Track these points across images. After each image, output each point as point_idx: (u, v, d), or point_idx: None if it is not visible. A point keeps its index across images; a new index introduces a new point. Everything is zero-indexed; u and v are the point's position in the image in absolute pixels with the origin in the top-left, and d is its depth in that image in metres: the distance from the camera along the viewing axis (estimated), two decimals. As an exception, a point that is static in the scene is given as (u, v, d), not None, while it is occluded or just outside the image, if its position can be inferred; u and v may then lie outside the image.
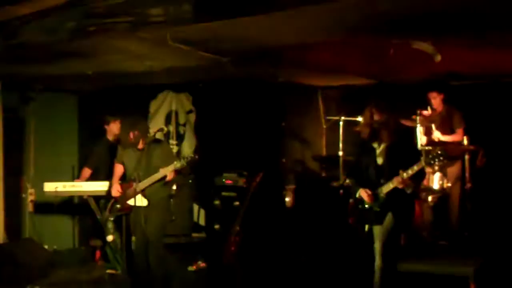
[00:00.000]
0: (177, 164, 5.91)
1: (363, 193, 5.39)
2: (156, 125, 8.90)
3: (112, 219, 6.37)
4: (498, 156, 7.54)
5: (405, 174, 5.10)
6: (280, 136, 9.09)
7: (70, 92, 9.37)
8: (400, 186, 5.16)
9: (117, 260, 7.22)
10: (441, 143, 7.41)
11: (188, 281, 7.22)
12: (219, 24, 4.94)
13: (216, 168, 8.61)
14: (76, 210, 8.85)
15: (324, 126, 9.19)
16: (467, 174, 7.41)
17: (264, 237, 7.92)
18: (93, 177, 7.55)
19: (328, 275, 6.77)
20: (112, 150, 7.00)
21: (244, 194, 7.63)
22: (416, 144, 7.32)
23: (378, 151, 5.41)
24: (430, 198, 7.41)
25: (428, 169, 6.76)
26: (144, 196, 5.97)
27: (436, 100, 7.58)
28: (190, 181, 8.54)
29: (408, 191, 5.26)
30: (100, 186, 7.11)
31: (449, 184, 7.35)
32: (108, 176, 6.59)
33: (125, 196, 6.17)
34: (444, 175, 7.33)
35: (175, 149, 9.24)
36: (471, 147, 7.34)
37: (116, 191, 6.24)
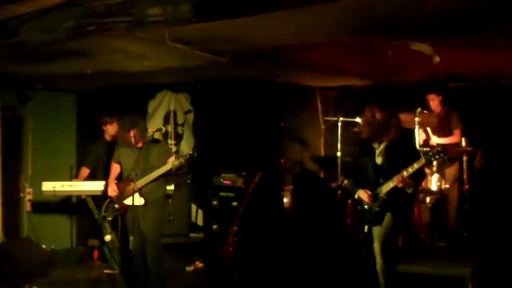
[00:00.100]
0: (175, 162, 5.91)
1: (362, 194, 5.38)
2: (154, 125, 8.89)
3: (110, 218, 6.36)
4: (496, 158, 7.55)
5: (405, 173, 5.09)
6: (279, 136, 9.09)
7: (68, 91, 9.36)
8: (400, 185, 5.14)
9: (115, 260, 7.22)
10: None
11: (186, 281, 7.22)
12: (218, 24, 4.94)
13: (214, 168, 8.61)
14: (74, 210, 8.85)
15: (323, 127, 9.21)
16: (465, 176, 7.43)
17: (262, 237, 7.93)
18: (91, 177, 7.55)
19: (326, 276, 6.78)
20: (110, 150, 7.00)
21: (242, 195, 7.62)
22: (415, 144, 7.32)
23: (377, 151, 5.40)
24: (428, 199, 7.41)
25: (426, 170, 6.77)
26: (141, 195, 5.97)
27: (434, 102, 7.59)
28: (188, 181, 8.53)
29: (409, 191, 5.25)
30: (98, 186, 7.11)
31: (447, 186, 7.37)
32: (106, 176, 6.59)
33: (121, 196, 6.17)
34: (442, 176, 7.34)
35: (173, 149, 9.23)
36: (469, 149, 7.35)
37: (112, 191, 6.24)
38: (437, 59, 5.94)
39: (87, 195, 7.25)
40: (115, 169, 6.36)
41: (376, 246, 5.33)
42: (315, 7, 4.42)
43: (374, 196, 5.31)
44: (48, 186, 7.33)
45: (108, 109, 7.53)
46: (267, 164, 8.41)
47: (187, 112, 9.45)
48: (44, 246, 7.98)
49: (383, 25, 5.14)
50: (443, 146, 5.24)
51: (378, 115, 5.30)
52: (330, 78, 8.50)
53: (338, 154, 8.45)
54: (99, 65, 7.12)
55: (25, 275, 6.84)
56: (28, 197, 8.56)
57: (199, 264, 7.60)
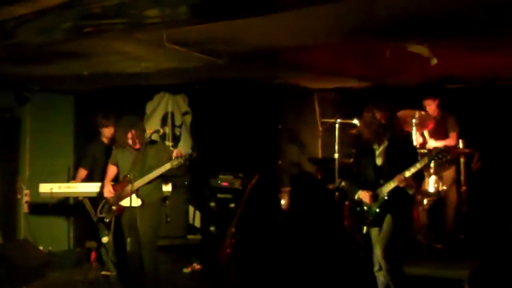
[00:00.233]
0: (174, 162, 5.91)
1: (362, 194, 5.36)
2: (152, 127, 8.88)
3: (107, 220, 6.35)
4: (493, 160, 7.56)
5: (407, 173, 5.08)
6: (276, 138, 9.10)
7: (66, 92, 9.36)
8: (402, 185, 5.12)
9: (112, 262, 7.21)
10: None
11: (183, 283, 7.22)
12: (215, 25, 4.94)
13: (211, 169, 8.62)
14: (72, 212, 8.83)
15: (320, 129, 9.21)
16: (462, 177, 7.43)
17: (259, 239, 7.93)
18: (88, 178, 7.54)
19: (323, 278, 6.78)
20: (107, 151, 7.00)
21: (240, 196, 7.62)
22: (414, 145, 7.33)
23: (377, 152, 5.40)
24: (425, 201, 7.42)
25: (424, 172, 6.78)
26: (138, 196, 5.96)
27: (431, 106, 7.61)
28: (185, 182, 8.53)
29: (410, 192, 5.25)
30: (95, 188, 7.11)
31: (445, 187, 7.38)
32: (103, 177, 6.59)
33: (118, 197, 6.16)
34: (440, 178, 7.35)
35: (171, 150, 9.23)
36: (467, 151, 7.36)
37: (108, 192, 6.24)
38: (434, 61, 5.95)
39: (85, 197, 7.24)
40: (112, 170, 6.36)
41: (378, 251, 5.30)
42: (312, 9, 4.42)
43: (375, 197, 5.30)
44: (45, 187, 7.32)
45: (105, 111, 7.51)
46: (265, 165, 8.41)
47: (184, 114, 9.45)
48: (41, 248, 7.97)
49: (380, 27, 5.15)
50: (445, 147, 5.24)
51: (378, 116, 5.30)
52: (328, 79, 8.51)
53: (336, 155, 8.46)
54: (96, 67, 7.12)
55: (22, 277, 6.83)
56: (26, 198, 8.55)
57: (197, 266, 7.60)
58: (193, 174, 8.48)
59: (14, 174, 8.64)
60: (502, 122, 7.83)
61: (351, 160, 7.93)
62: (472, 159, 7.40)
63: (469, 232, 7.39)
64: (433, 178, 7.30)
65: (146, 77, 7.94)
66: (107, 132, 7.41)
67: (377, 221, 5.33)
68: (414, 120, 7.37)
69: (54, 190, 7.27)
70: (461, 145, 7.33)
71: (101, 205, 6.35)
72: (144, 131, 6.18)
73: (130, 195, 5.91)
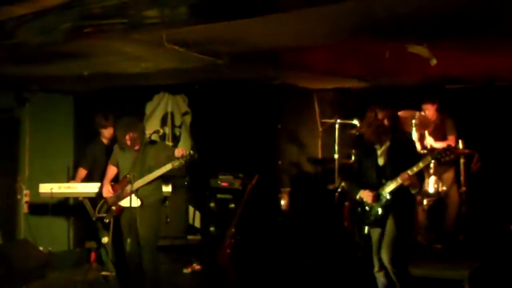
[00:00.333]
0: (175, 162, 5.91)
1: (364, 194, 5.35)
2: (151, 127, 8.89)
3: (107, 220, 6.35)
4: (493, 160, 7.56)
5: (409, 172, 5.08)
6: (276, 138, 9.10)
7: (65, 93, 9.35)
8: (406, 183, 5.11)
9: (112, 262, 7.21)
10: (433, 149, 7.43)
11: (183, 283, 7.22)
12: (215, 26, 4.94)
13: (211, 170, 8.61)
14: (71, 212, 8.83)
15: (320, 129, 9.21)
16: (462, 178, 7.43)
17: (259, 239, 7.93)
18: (88, 178, 7.54)
19: (323, 278, 6.78)
20: (107, 151, 7.01)
21: (240, 197, 7.62)
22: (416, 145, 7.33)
23: (379, 152, 5.40)
24: (425, 202, 7.42)
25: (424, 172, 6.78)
26: (137, 196, 5.96)
27: (430, 111, 7.62)
28: (185, 183, 8.53)
29: (413, 192, 5.24)
30: (95, 188, 7.11)
31: (444, 188, 7.38)
32: (103, 177, 6.59)
33: (117, 197, 6.16)
34: (439, 178, 7.35)
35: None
36: (466, 151, 7.36)
37: (107, 192, 6.24)
38: (434, 61, 5.95)
39: (84, 197, 7.24)
40: (112, 170, 6.36)
41: (384, 256, 5.28)
42: (311, 9, 4.42)
43: (376, 197, 5.29)
44: (45, 188, 7.32)
45: (105, 112, 7.51)
46: (265, 166, 8.42)
47: (184, 114, 9.45)
48: (41, 248, 7.96)
49: (380, 28, 5.15)
50: (448, 146, 5.25)
51: (380, 116, 5.30)
52: (328, 80, 8.51)
53: (336, 156, 8.47)
54: (96, 67, 7.12)
55: (22, 277, 6.83)
56: (25, 199, 8.54)
57: (197, 266, 7.60)
58: (193, 174, 8.48)
59: (13, 174, 8.63)
60: (501, 123, 7.84)
61: (352, 160, 7.98)
62: (472, 160, 7.40)
63: (468, 232, 7.39)
64: (432, 179, 7.30)
65: (146, 77, 7.93)
66: (107, 132, 7.40)
67: (378, 221, 5.33)
68: (414, 121, 7.38)
69: (54, 190, 7.27)
70: (460, 145, 7.33)
71: (99, 204, 6.35)
72: (143, 132, 6.18)
73: (129, 195, 5.91)
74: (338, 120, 8.43)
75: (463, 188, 7.43)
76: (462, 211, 7.47)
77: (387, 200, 5.24)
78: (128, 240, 6.08)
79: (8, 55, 6.17)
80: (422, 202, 7.39)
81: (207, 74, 7.73)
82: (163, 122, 9.44)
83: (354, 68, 7.40)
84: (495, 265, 6.33)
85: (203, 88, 9.04)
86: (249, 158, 8.51)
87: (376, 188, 5.32)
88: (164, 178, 6.29)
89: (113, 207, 6.21)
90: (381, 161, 5.38)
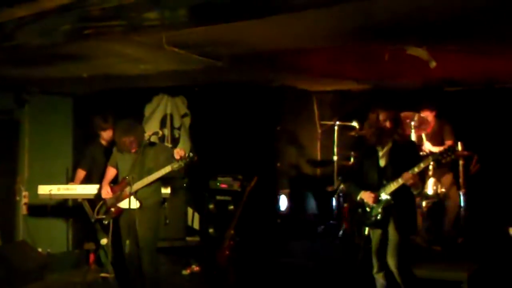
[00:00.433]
0: (174, 165, 5.90)
1: (365, 195, 5.36)
2: (151, 129, 8.90)
3: (106, 222, 6.35)
4: (492, 162, 7.56)
5: (410, 172, 5.09)
6: (275, 140, 9.09)
7: (65, 94, 9.36)
8: (409, 183, 5.12)
9: (111, 264, 7.21)
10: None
11: (182, 285, 7.22)
12: (215, 28, 4.95)
13: (210, 171, 8.61)
14: (70, 213, 8.83)
15: (319, 131, 9.22)
16: (461, 180, 7.44)
17: (258, 241, 7.93)
18: (87, 179, 7.54)
19: (322, 280, 6.78)
20: (106, 152, 7.01)
21: (239, 198, 7.62)
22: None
23: (381, 154, 5.40)
24: (424, 204, 7.42)
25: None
26: (137, 198, 5.96)
27: (428, 117, 7.62)
28: (184, 184, 8.53)
29: (415, 192, 5.25)
30: (94, 190, 7.10)
31: (443, 190, 7.38)
32: (102, 179, 6.59)
33: (116, 199, 6.16)
34: (438, 180, 7.36)
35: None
36: (465, 153, 7.36)
37: (106, 193, 6.24)
38: (433, 63, 5.96)
39: (83, 199, 7.24)
40: (111, 172, 6.36)
41: (391, 262, 5.28)
42: (311, 12, 4.43)
43: (377, 198, 5.29)
44: (44, 189, 7.31)
45: (104, 114, 7.51)
46: (264, 167, 8.41)
47: (183, 116, 9.45)
48: (40, 250, 7.96)
49: (379, 30, 5.16)
50: (450, 147, 5.25)
51: (382, 117, 5.31)
52: (327, 82, 8.52)
53: (335, 158, 8.47)
54: (96, 69, 7.12)
55: (20, 278, 6.83)
56: (24, 200, 8.54)
57: (196, 268, 7.60)
58: (192, 176, 8.48)
59: (13, 175, 8.63)
60: (500, 125, 7.85)
61: (351, 162, 7.99)
62: (471, 162, 7.41)
63: (467, 234, 7.39)
64: (431, 181, 7.31)
65: (145, 79, 7.94)
66: (106, 135, 7.41)
67: (379, 222, 5.33)
68: (413, 123, 7.38)
69: (52, 192, 7.26)
70: (459, 147, 7.34)
71: (98, 206, 6.35)
72: (142, 134, 6.17)
73: (128, 197, 5.90)
74: (337, 122, 8.44)
75: (462, 190, 7.43)
76: (461, 213, 7.47)
77: (388, 201, 5.25)
78: (127, 242, 6.08)
79: (8, 57, 6.18)
80: (421, 204, 7.38)
81: (206, 76, 7.74)
82: (162, 124, 9.43)
83: (353, 71, 7.41)
84: (494, 267, 6.33)
85: (203, 90, 9.04)
86: (248, 160, 8.51)
87: (377, 189, 5.32)
88: (163, 180, 6.29)
89: (112, 209, 6.20)
90: (382, 163, 5.38)
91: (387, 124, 5.30)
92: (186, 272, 7.54)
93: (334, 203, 8.43)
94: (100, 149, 7.50)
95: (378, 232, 5.38)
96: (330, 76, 7.88)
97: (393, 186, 5.21)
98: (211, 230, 8.42)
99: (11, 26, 5.03)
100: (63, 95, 9.33)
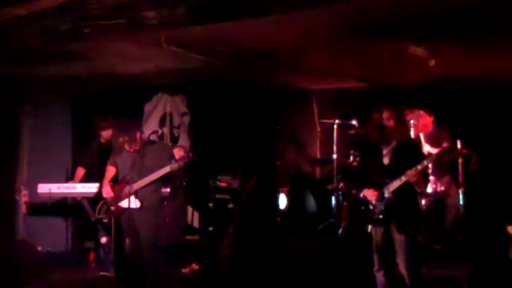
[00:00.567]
0: (173, 165, 5.90)
1: (368, 193, 5.36)
2: (150, 127, 8.90)
3: (106, 221, 6.35)
4: (491, 161, 7.56)
5: (414, 169, 5.10)
6: (275, 138, 9.10)
7: (64, 93, 9.36)
8: (412, 180, 5.13)
9: (111, 262, 7.20)
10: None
11: (182, 283, 7.22)
12: (214, 27, 4.96)
13: (210, 170, 8.61)
14: (70, 212, 8.82)
15: (318, 129, 9.22)
16: (460, 179, 7.44)
17: (258, 239, 7.93)
18: (86, 177, 7.55)
19: (322, 278, 6.78)
20: (106, 151, 7.01)
21: (238, 197, 7.62)
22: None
23: (384, 152, 5.41)
24: (423, 202, 7.42)
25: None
26: (137, 198, 5.96)
27: (427, 122, 7.61)
28: (184, 183, 8.53)
29: (419, 190, 5.24)
30: (94, 188, 7.11)
31: (443, 188, 7.38)
32: (101, 177, 6.59)
33: (117, 198, 6.16)
34: (437, 179, 7.36)
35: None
36: (464, 152, 7.36)
37: (106, 192, 6.24)
38: (432, 62, 5.96)
39: (83, 197, 7.24)
40: (111, 171, 6.35)
41: (401, 265, 5.27)
42: (310, 11, 4.43)
43: (380, 195, 5.30)
44: (43, 188, 7.32)
45: (103, 113, 7.52)
46: (263, 166, 8.42)
47: (183, 115, 9.44)
48: (39, 248, 7.96)
49: (379, 29, 5.16)
50: (453, 144, 5.25)
51: (386, 116, 5.32)
52: (326, 80, 8.51)
53: (334, 156, 8.47)
54: (95, 68, 7.13)
55: (20, 277, 6.83)
56: (24, 199, 8.54)
57: (195, 266, 7.59)
58: (191, 174, 8.48)
59: (12, 174, 8.64)
60: (499, 123, 7.85)
61: (350, 160, 7.99)
62: (470, 160, 7.41)
63: (467, 233, 7.39)
64: (431, 179, 7.31)
65: (145, 77, 7.95)
66: (105, 134, 7.42)
67: (381, 220, 5.33)
68: (412, 121, 7.37)
69: (52, 191, 7.27)
70: (458, 146, 7.34)
71: (99, 205, 6.35)
72: (141, 134, 6.17)
73: (129, 196, 5.91)
74: (337, 121, 8.44)
75: (462, 189, 7.44)
76: (461, 211, 7.47)
77: (391, 198, 5.25)
78: (127, 241, 6.08)
79: (8, 56, 6.18)
80: (420, 203, 7.38)
81: (205, 75, 7.74)
82: (162, 123, 9.43)
83: (352, 69, 7.41)
84: (494, 266, 6.34)
85: (202, 89, 9.03)
86: (247, 158, 8.51)
87: (380, 187, 5.33)
88: (163, 179, 6.29)
89: (113, 208, 6.21)
90: (386, 161, 5.39)
91: (391, 122, 5.31)
92: (185, 270, 7.54)
93: (333, 201, 8.45)
94: (100, 148, 7.51)
95: (380, 230, 5.38)
96: (330, 74, 7.88)
97: (396, 184, 5.22)
98: (210, 229, 8.42)
99: (11, 25, 5.03)
100: (62, 94, 9.33)
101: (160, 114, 9.47)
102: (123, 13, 4.69)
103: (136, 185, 5.94)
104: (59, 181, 7.75)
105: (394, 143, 5.35)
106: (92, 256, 7.74)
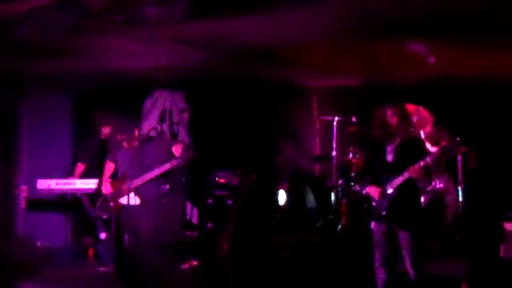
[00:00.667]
0: (173, 163, 5.90)
1: (371, 190, 5.38)
2: (150, 124, 8.90)
3: (105, 217, 6.36)
4: (490, 158, 7.57)
5: (416, 166, 5.10)
6: (274, 135, 9.10)
7: (64, 89, 9.34)
8: (415, 176, 5.14)
9: (110, 258, 7.21)
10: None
11: (180, 279, 7.22)
12: (214, 23, 4.95)
13: (209, 166, 8.61)
14: (69, 208, 8.82)
15: (318, 126, 9.21)
16: (459, 176, 7.44)
17: (257, 236, 7.94)
18: (86, 173, 7.55)
19: (321, 275, 6.79)
20: (106, 147, 7.02)
21: (238, 193, 7.63)
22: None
23: (389, 149, 5.41)
24: (422, 199, 7.42)
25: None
26: (137, 194, 5.96)
27: (426, 121, 7.62)
28: (183, 179, 8.53)
29: (422, 187, 5.24)
30: (93, 184, 7.11)
31: (442, 185, 7.39)
32: (101, 173, 6.59)
33: (116, 194, 6.17)
34: (437, 176, 7.36)
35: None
36: (464, 149, 7.36)
37: (106, 189, 6.25)
38: (432, 59, 5.96)
39: (82, 193, 7.24)
40: (109, 167, 6.36)
41: (407, 262, 5.27)
42: (310, 7, 4.43)
43: (383, 192, 5.31)
44: (43, 183, 7.32)
45: (103, 109, 7.52)
46: (263, 162, 8.42)
47: (182, 111, 9.44)
48: (38, 244, 7.96)
49: (379, 26, 5.15)
50: (456, 141, 5.25)
51: (390, 113, 5.32)
52: (326, 77, 8.51)
53: (334, 153, 8.47)
54: (95, 63, 7.11)
55: (19, 272, 6.83)
56: (23, 194, 8.53)
57: (194, 263, 7.60)
58: (191, 171, 8.47)
59: (12, 170, 8.63)
60: (498, 121, 7.86)
61: (350, 157, 7.99)
62: (469, 158, 7.41)
63: (466, 231, 7.40)
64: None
65: (144, 74, 7.94)
66: (105, 130, 7.42)
67: (384, 217, 5.33)
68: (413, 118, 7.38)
69: (51, 186, 7.27)
70: (457, 144, 7.33)
71: (99, 202, 6.35)
72: (139, 131, 6.18)
73: (128, 193, 5.91)
74: (336, 118, 8.44)
75: (461, 186, 7.44)
76: (460, 209, 7.47)
77: (394, 195, 5.26)
78: (127, 237, 6.09)
79: (7, 52, 6.17)
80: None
81: (205, 71, 7.73)
82: (161, 119, 9.42)
83: (352, 66, 7.40)
84: (493, 264, 6.34)
85: (202, 85, 9.02)
86: (247, 155, 8.51)
87: (383, 184, 5.33)
88: (162, 175, 6.29)
89: (112, 204, 6.21)
90: (390, 158, 5.39)
91: (395, 120, 5.31)
92: (185, 266, 7.54)
93: (332, 198, 8.45)
94: (100, 143, 7.51)
95: (383, 227, 5.38)
96: (329, 71, 7.87)
97: (399, 180, 5.23)
98: (209, 225, 8.43)
99: (11, 21, 5.03)
100: (62, 90, 9.32)
101: (160, 110, 9.46)
102: (124, 9, 4.69)
103: (136, 182, 5.94)
104: (58, 177, 7.73)
105: (398, 140, 5.36)
106: (91, 252, 7.75)
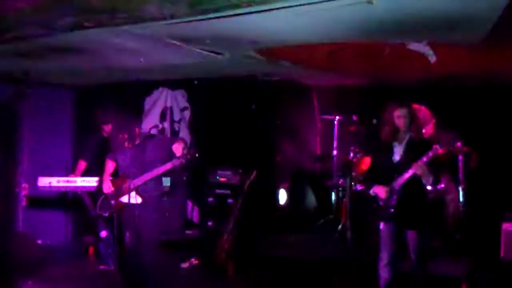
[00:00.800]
0: (175, 162, 5.91)
1: (378, 189, 5.38)
2: (151, 122, 8.91)
3: (106, 215, 6.36)
4: (491, 158, 7.57)
5: (419, 161, 5.11)
6: (275, 134, 9.10)
7: (65, 87, 9.36)
8: (418, 172, 5.15)
9: (110, 256, 7.22)
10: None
11: (181, 278, 7.23)
12: (215, 21, 4.95)
13: (210, 165, 8.61)
14: (70, 206, 8.84)
15: (319, 125, 9.21)
16: (460, 176, 7.44)
17: (257, 234, 7.94)
18: (87, 170, 7.56)
19: (322, 274, 6.79)
20: (107, 145, 7.02)
21: (238, 192, 7.63)
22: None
23: (396, 149, 5.41)
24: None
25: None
26: (138, 193, 5.96)
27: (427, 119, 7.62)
28: (184, 178, 8.53)
29: (427, 185, 5.23)
30: (94, 182, 7.11)
31: (443, 185, 7.38)
32: (102, 171, 6.59)
33: (117, 193, 6.17)
34: (437, 176, 7.35)
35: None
36: (465, 149, 7.36)
37: (107, 187, 6.25)
38: (433, 59, 5.95)
39: (83, 191, 7.24)
40: (110, 166, 6.36)
41: (414, 261, 5.28)
42: (313, 6, 4.43)
43: (390, 191, 5.30)
44: (44, 181, 7.33)
45: (104, 107, 7.53)
46: (263, 161, 8.42)
47: (183, 109, 9.44)
48: (39, 242, 7.97)
49: (381, 26, 5.15)
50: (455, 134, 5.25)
51: (397, 113, 5.32)
52: (327, 76, 8.50)
53: (334, 152, 8.47)
54: (96, 61, 7.11)
55: (20, 270, 6.84)
56: (24, 192, 8.54)
57: (194, 261, 7.60)
58: (191, 169, 8.48)
59: (12, 167, 8.63)
60: (499, 121, 7.86)
61: (350, 156, 7.98)
62: (470, 158, 7.40)
63: (466, 230, 7.40)
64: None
65: (145, 72, 7.94)
66: (106, 128, 7.44)
67: (391, 216, 5.33)
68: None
69: (52, 184, 7.28)
70: (459, 144, 7.33)
71: (100, 201, 6.35)
72: (140, 130, 6.18)
73: (129, 191, 5.91)
74: (337, 117, 8.44)
75: (462, 186, 7.43)
76: (461, 209, 7.47)
77: (401, 194, 5.26)
78: (128, 235, 6.09)
79: (8, 49, 6.17)
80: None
81: (206, 69, 7.73)
82: (162, 117, 9.43)
83: (353, 65, 7.40)
84: (493, 263, 6.34)
85: (202, 83, 9.03)
86: (248, 153, 8.51)
87: (389, 183, 5.33)
88: (164, 174, 6.29)
89: (114, 203, 6.21)
90: (397, 157, 5.39)
91: (402, 120, 5.32)
92: (185, 265, 7.55)
93: (333, 197, 8.46)
94: (101, 141, 7.52)
95: (389, 226, 5.37)
96: (331, 70, 7.87)
97: (404, 177, 5.23)
98: (210, 224, 8.43)
99: (12, 17, 5.02)
100: (63, 87, 9.33)
101: (161, 108, 9.47)
102: (125, 7, 4.68)
103: (137, 181, 5.94)
104: (59, 175, 7.74)
105: (406, 140, 5.37)
106: (91, 250, 7.75)
